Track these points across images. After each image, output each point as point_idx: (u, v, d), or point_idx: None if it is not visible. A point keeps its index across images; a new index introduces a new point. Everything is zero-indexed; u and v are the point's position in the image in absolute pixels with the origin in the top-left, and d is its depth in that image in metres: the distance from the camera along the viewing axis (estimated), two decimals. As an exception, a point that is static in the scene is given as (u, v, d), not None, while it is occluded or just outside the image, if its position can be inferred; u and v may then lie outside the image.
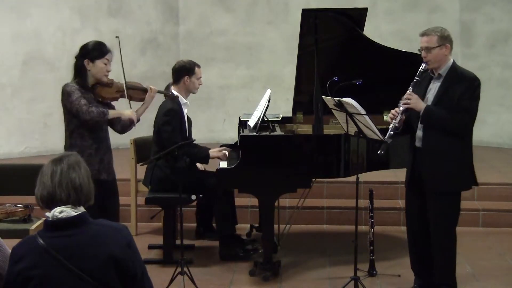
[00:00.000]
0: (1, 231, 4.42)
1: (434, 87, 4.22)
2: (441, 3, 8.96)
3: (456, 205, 4.28)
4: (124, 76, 4.47)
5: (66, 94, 4.32)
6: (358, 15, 5.45)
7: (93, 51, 4.37)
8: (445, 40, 4.16)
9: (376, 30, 7.71)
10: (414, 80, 4.20)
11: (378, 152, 4.18)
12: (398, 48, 5.47)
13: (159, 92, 4.75)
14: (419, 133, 4.24)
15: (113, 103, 4.57)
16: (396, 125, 4.17)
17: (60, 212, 2.44)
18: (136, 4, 8.88)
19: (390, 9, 8.99)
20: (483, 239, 5.89)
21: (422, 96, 4.20)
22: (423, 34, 4.20)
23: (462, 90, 4.10)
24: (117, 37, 4.62)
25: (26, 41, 8.17)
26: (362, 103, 4.28)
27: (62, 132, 8.10)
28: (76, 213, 2.46)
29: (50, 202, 2.46)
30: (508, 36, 8.75)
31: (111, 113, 4.40)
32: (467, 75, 4.18)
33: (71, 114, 4.35)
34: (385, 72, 5.39)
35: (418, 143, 4.26)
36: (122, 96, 4.46)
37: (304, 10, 5.33)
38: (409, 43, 6.54)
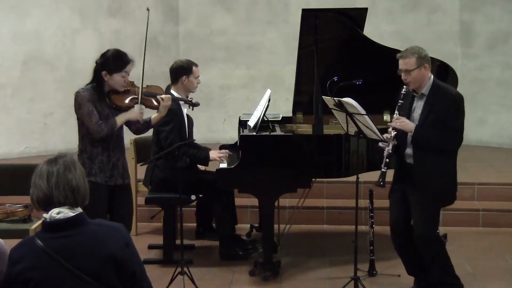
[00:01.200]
0: (1, 231, 4.42)
1: (418, 106, 4.26)
2: (441, 3, 8.95)
3: (438, 212, 4.35)
4: (142, 80, 4.44)
5: (77, 104, 4.29)
6: (358, 15, 5.46)
7: (112, 64, 4.29)
8: (423, 60, 4.18)
9: (376, 30, 7.70)
10: (399, 104, 4.27)
11: (377, 184, 4.20)
12: (398, 48, 5.46)
13: (176, 99, 4.82)
14: (409, 150, 4.28)
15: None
16: (390, 152, 4.21)
17: (58, 213, 2.43)
18: (136, 4, 8.88)
19: (390, 9, 8.98)
20: (483, 239, 5.88)
21: (407, 116, 4.24)
22: (401, 57, 4.23)
23: (446, 108, 4.14)
24: (148, 9, 4.51)
25: (26, 41, 8.16)
26: (362, 103, 4.28)
27: (62, 132, 8.18)
28: (74, 214, 2.45)
29: (47, 204, 2.45)
30: (508, 36, 8.75)
31: (119, 122, 4.34)
32: (449, 93, 4.21)
33: (81, 121, 4.34)
34: (385, 72, 5.36)
35: (408, 160, 4.29)
36: (136, 102, 4.42)
37: (304, 10, 5.33)
38: (409, 43, 6.50)
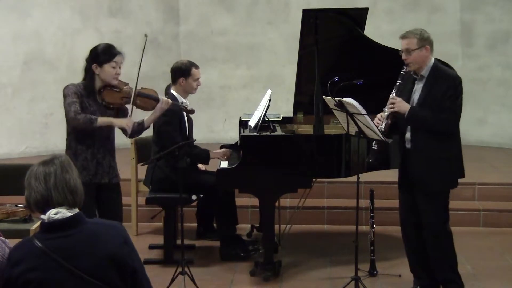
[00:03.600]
0: (1, 231, 4.41)
1: (418, 88, 4.26)
2: (441, 3, 8.95)
3: (445, 202, 4.31)
4: (137, 82, 4.41)
5: (63, 96, 4.30)
6: (359, 15, 5.46)
7: (101, 55, 4.30)
8: (424, 41, 4.18)
9: (376, 30, 7.70)
10: (397, 84, 4.27)
11: (367, 160, 4.21)
12: (398, 48, 5.46)
13: (175, 105, 4.78)
14: (408, 134, 4.27)
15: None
16: (382, 130, 4.21)
17: (56, 213, 2.41)
18: (136, 4, 8.88)
19: (390, 9, 8.98)
20: (483, 239, 5.88)
21: (408, 99, 4.24)
22: (403, 37, 4.25)
23: (444, 90, 4.12)
24: (145, 35, 4.54)
25: (26, 41, 8.16)
26: (362, 103, 4.28)
27: (62, 132, 8.09)
28: (72, 214, 2.44)
29: (45, 205, 2.43)
30: (508, 36, 8.75)
31: (100, 121, 4.25)
32: (448, 74, 4.21)
33: None
34: (386, 72, 5.37)
35: (408, 145, 4.29)
36: (128, 102, 4.40)
37: (304, 10, 5.33)
38: (409, 43, 6.54)
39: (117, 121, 4.39)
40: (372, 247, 4.94)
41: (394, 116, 4.25)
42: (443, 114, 4.12)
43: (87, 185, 4.23)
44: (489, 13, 8.79)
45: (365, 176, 5.19)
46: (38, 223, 4.65)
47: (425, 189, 4.23)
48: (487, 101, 8.75)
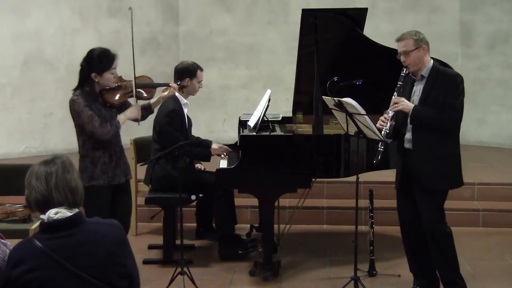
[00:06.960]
0: (1, 231, 4.41)
1: (418, 89, 4.27)
2: (441, 3, 8.96)
3: (441, 202, 4.30)
4: (134, 74, 4.41)
5: (75, 112, 4.24)
6: (358, 15, 5.46)
7: (100, 64, 4.24)
8: (421, 42, 4.21)
9: (376, 30, 7.70)
10: (398, 85, 4.26)
11: (374, 161, 4.20)
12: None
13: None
14: (408, 135, 4.27)
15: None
16: (387, 131, 4.20)
17: (56, 213, 2.41)
18: (136, 4, 8.86)
19: (390, 9, 8.99)
20: (483, 239, 5.89)
21: (407, 100, 4.23)
22: (399, 40, 4.26)
23: (446, 89, 4.14)
24: (130, 8, 4.50)
25: (26, 41, 8.17)
26: (362, 103, 4.29)
27: (62, 132, 8.17)
28: (72, 214, 2.44)
29: (45, 205, 2.43)
30: (508, 36, 8.75)
31: (122, 121, 4.35)
32: (449, 73, 4.22)
33: (81, 127, 4.29)
34: (385, 72, 5.38)
35: (407, 145, 4.29)
36: (131, 96, 4.41)
37: (304, 10, 5.33)
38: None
39: (129, 115, 4.44)
40: (371, 247, 4.94)
41: (396, 117, 4.24)
42: (446, 111, 4.12)
43: (106, 189, 4.24)
44: (489, 13, 8.80)
45: (365, 176, 5.19)
46: (37, 223, 4.64)
47: (424, 186, 4.22)
48: (487, 101, 8.76)
